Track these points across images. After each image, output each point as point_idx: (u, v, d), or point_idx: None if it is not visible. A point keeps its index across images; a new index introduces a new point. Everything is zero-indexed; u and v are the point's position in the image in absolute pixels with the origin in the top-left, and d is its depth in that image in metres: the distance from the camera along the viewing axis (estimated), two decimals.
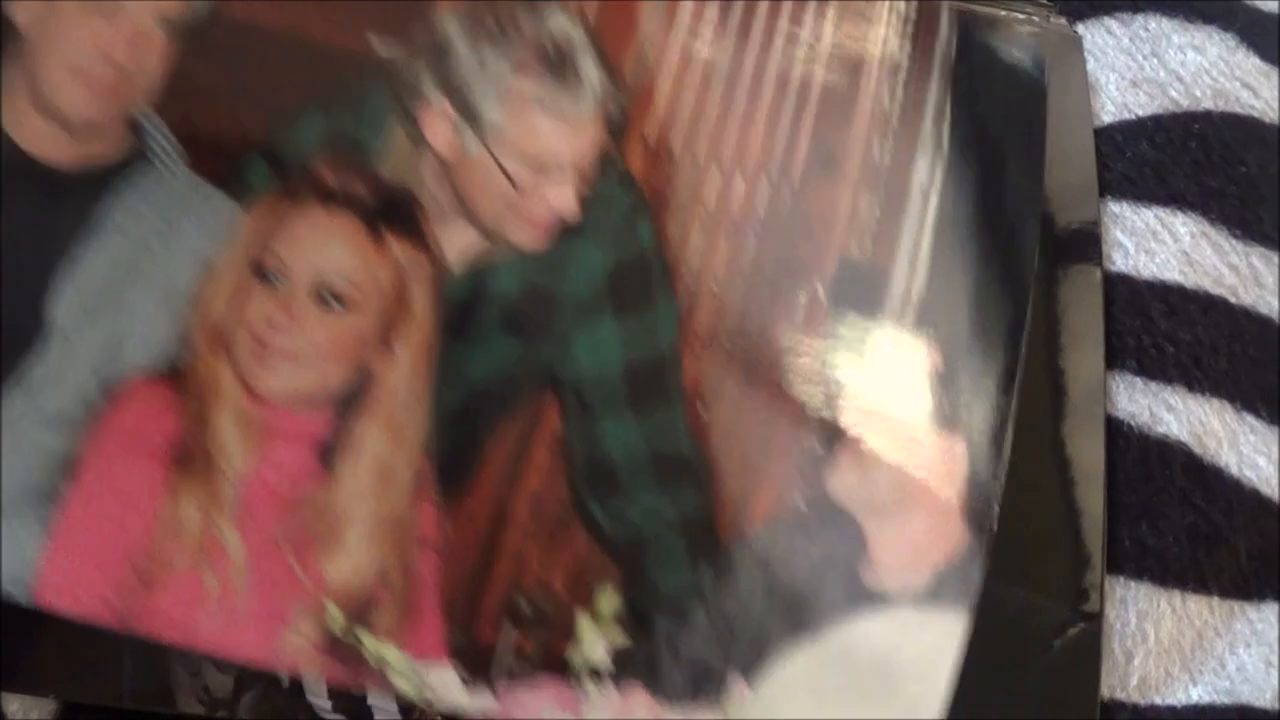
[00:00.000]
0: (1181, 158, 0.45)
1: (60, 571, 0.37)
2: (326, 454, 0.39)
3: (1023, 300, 0.43)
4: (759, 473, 0.40)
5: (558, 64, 0.40)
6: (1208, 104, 0.45)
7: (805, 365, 0.41)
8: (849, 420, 0.41)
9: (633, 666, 0.39)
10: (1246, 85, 0.46)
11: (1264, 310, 0.45)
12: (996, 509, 0.40)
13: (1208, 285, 0.44)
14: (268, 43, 0.42)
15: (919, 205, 0.43)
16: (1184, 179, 0.45)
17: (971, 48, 0.44)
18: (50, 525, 0.38)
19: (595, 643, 0.39)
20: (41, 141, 0.40)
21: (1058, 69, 0.45)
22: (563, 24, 0.41)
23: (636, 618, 0.39)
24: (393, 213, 0.40)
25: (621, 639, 0.39)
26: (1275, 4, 0.48)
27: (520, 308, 0.41)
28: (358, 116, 0.41)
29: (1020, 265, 0.43)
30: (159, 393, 0.39)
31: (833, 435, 0.41)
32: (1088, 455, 0.43)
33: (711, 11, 0.43)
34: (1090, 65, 0.46)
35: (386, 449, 0.39)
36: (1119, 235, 0.44)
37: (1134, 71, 0.46)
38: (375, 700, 0.38)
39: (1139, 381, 0.44)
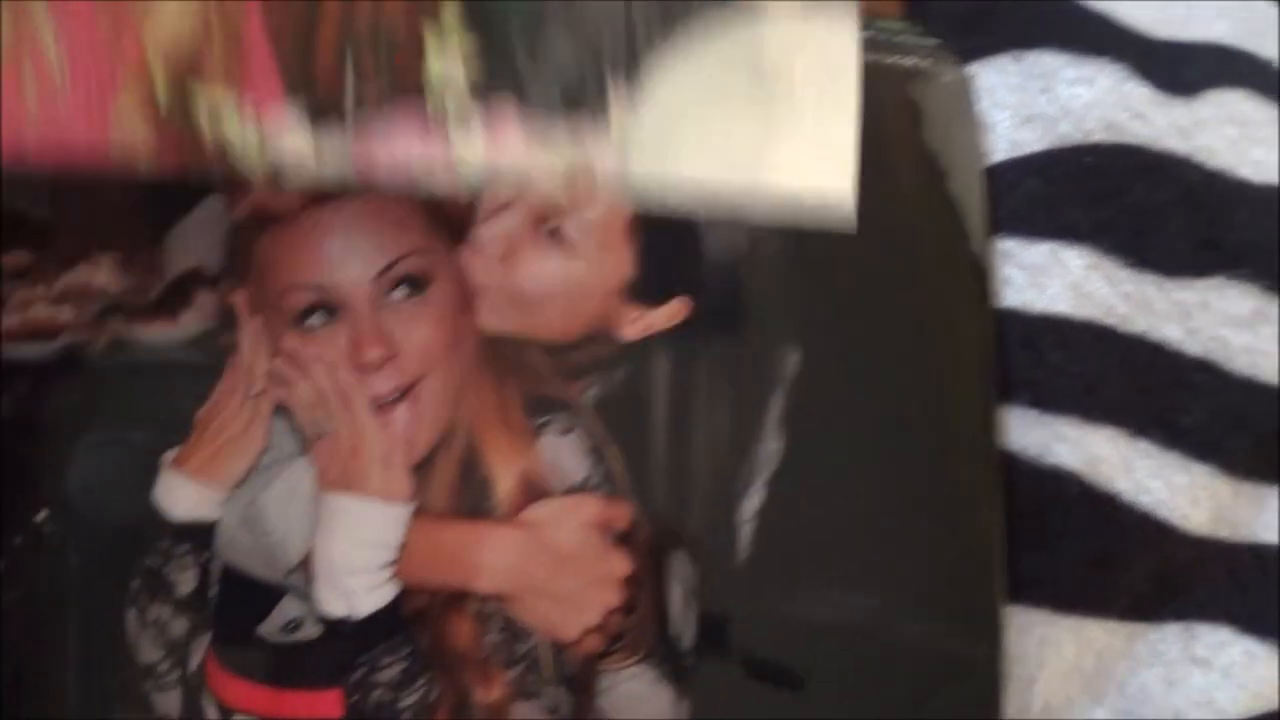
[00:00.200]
0: (1073, 191, 0.46)
1: None
2: None
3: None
4: None
5: None
6: (1099, 136, 0.46)
7: None
8: None
9: (495, 79, 0.38)
10: (1138, 115, 0.47)
11: (1155, 337, 0.46)
12: None
13: (1099, 315, 0.45)
14: None
15: None
16: (1075, 212, 0.46)
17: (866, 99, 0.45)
18: None
19: (446, 52, 0.37)
20: None
21: (947, 111, 0.46)
22: None
23: (486, 23, 0.37)
24: None
25: (473, 47, 0.37)
26: (1168, 33, 0.48)
27: None
28: None
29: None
30: None
31: None
32: (982, 489, 0.44)
33: None
34: (983, 104, 0.47)
35: None
36: (1010, 271, 0.45)
37: (1026, 108, 0.47)
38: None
39: (1033, 414, 0.45)
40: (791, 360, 0.43)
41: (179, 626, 0.42)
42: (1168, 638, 0.45)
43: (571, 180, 0.39)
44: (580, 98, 0.38)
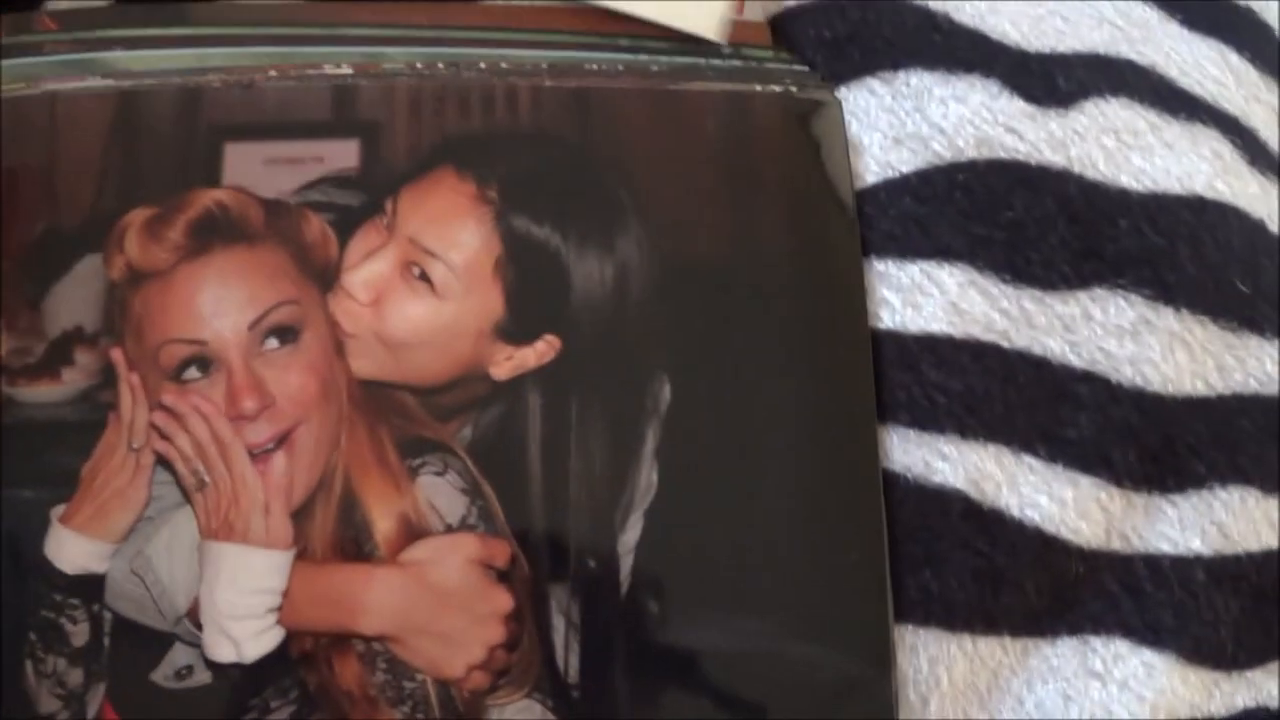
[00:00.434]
0: (946, 209, 0.46)
1: None
2: None
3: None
4: None
5: None
6: (971, 153, 0.46)
7: None
8: None
9: None
10: (1010, 130, 0.47)
11: (1038, 351, 0.46)
12: None
13: (977, 333, 0.45)
14: None
15: None
16: (950, 230, 0.46)
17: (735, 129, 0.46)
18: None
19: None
20: None
21: (818, 135, 0.46)
22: None
23: None
24: None
25: None
26: (1043, 45, 0.48)
27: None
28: None
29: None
30: None
31: None
32: (866, 510, 0.44)
33: None
34: (854, 127, 0.47)
35: None
36: (885, 293, 0.46)
37: (897, 129, 0.47)
38: None
39: (912, 433, 0.45)
40: (665, 392, 0.44)
41: (75, 677, 0.43)
42: (1063, 652, 0.45)
43: None
44: None
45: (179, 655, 0.43)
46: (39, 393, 0.43)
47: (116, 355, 0.43)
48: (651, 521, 0.43)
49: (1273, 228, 0.48)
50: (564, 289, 0.44)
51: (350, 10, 0.47)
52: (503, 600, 0.43)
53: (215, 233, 0.43)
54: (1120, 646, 0.45)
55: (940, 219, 0.46)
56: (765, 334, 0.45)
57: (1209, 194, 0.47)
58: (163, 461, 0.43)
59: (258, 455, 0.43)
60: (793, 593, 0.44)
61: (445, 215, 0.44)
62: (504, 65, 0.46)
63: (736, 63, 0.47)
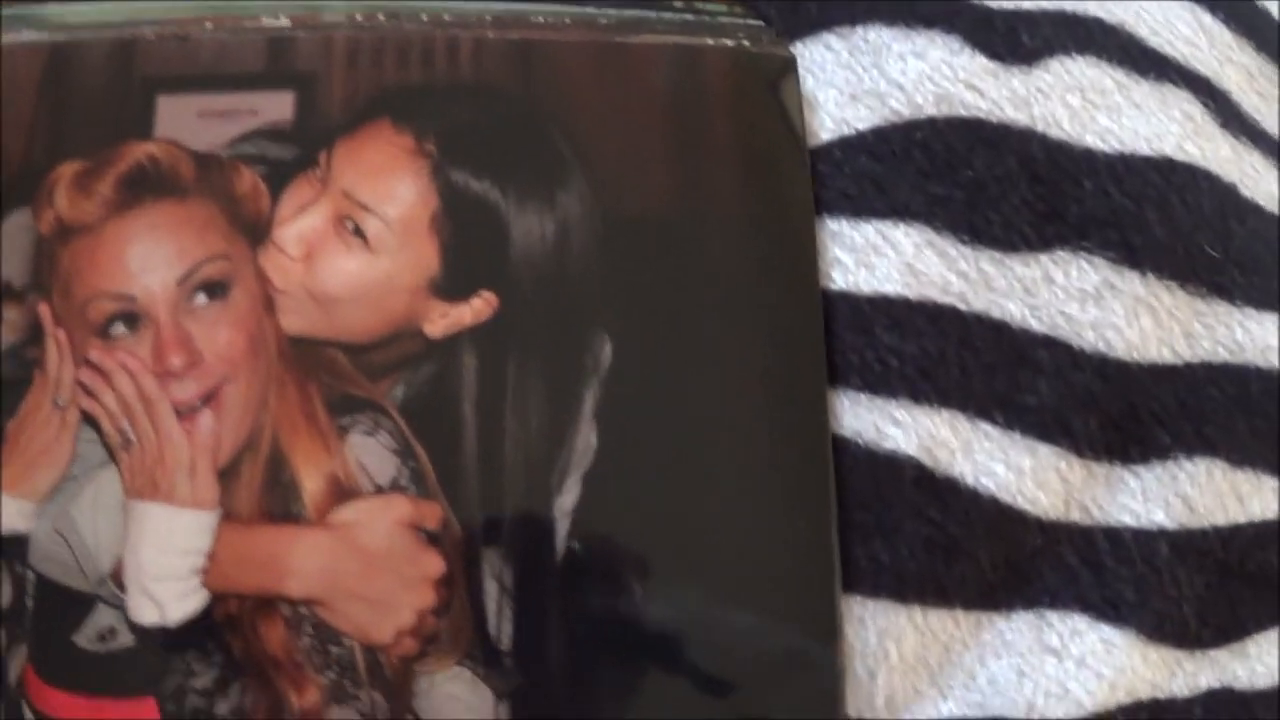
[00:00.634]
0: (904, 168, 0.44)
1: None
2: None
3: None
4: None
5: None
6: (930, 110, 0.45)
7: None
8: None
9: None
10: (971, 87, 0.45)
11: (997, 315, 0.44)
12: None
13: (934, 295, 0.44)
14: None
15: None
16: (907, 189, 0.44)
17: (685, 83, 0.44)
18: None
19: None
20: None
21: (772, 91, 0.45)
22: None
23: None
24: None
25: None
26: (1004, 2, 0.47)
27: None
28: None
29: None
30: None
31: None
32: (814, 476, 0.43)
33: None
34: (809, 83, 0.45)
35: None
36: (838, 253, 0.44)
37: (853, 85, 0.45)
38: None
39: (863, 398, 0.43)
40: (606, 351, 0.43)
41: None
42: (1018, 626, 0.43)
43: None
44: None
45: (102, 617, 0.42)
46: None
47: (43, 311, 0.42)
48: (590, 485, 0.42)
49: (1245, 192, 0.46)
50: (503, 245, 0.43)
51: None
52: (433, 564, 0.41)
53: (145, 187, 0.42)
54: (1078, 622, 0.43)
55: (897, 178, 0.44)
56: (712, 293, 0.43)
57: (1179, 156, 0.46)
58: (89, 419, 0.42)
59: (184, 413, 0.42)
60: (736, 560, 0.42)
61: (380, 168, 0.43)
62: (446, 17, 0.45)
63: (688, 16, 0.45)
